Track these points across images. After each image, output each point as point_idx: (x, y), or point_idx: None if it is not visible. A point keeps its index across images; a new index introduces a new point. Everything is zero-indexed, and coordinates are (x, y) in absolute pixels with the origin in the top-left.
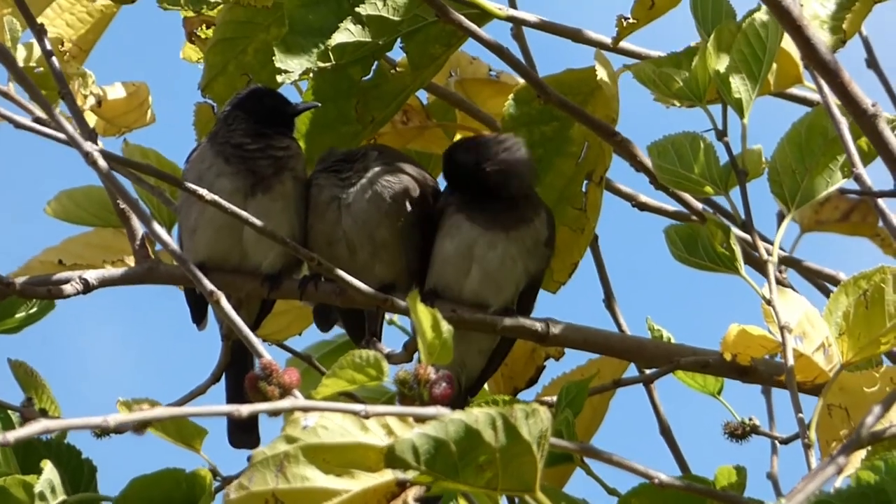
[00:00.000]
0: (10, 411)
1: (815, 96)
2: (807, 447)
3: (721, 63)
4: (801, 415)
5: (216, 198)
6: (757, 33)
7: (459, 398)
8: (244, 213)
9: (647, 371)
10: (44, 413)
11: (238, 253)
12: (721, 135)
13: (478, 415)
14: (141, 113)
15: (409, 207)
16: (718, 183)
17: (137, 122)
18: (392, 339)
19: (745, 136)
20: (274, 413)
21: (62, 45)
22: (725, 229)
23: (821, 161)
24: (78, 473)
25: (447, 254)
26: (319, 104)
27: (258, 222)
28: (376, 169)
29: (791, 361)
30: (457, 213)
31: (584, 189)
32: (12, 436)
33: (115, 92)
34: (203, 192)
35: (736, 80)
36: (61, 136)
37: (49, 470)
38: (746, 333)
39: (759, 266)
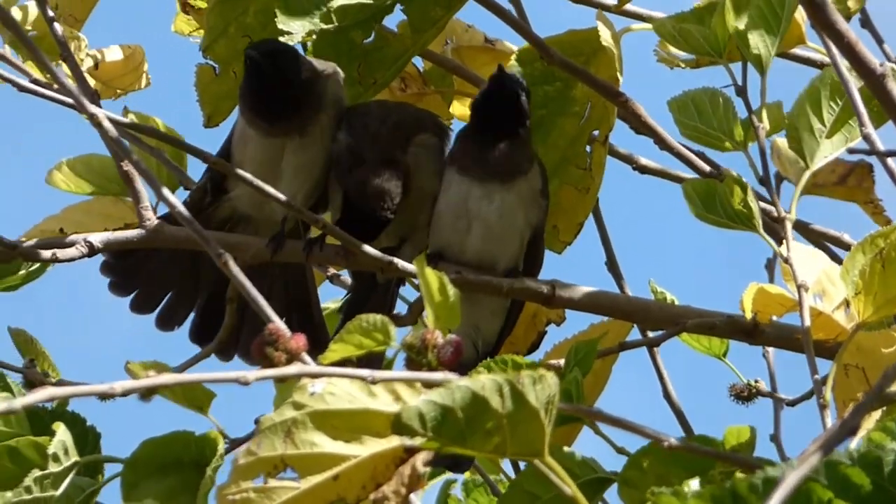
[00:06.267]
0: (10, 377)
1: (818, 56)
2: (822, 407)
3: (740, 19)
4: (816, 376)
5: (242, 172)
6: None
7: (477, 361)
8: (268, 187)
9: (652, 334)
10: (45, 375)
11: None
12: (740, 91)
13: (484, 381)
14: (137, 76)
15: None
16: (738, 138)
17: (133, 85)
18: None
19: (764, 92)
20: (281, 379)
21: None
22: (744, 186)
23: (840, 118)
24: (82, 440)
25: (441, 211)
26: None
27: (281, 196)
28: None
29: (808, 321)
30: (450, 166)
31: (588, 149)
32: (19, 402)
33: (112, 54)
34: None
35: (755, 36)
36: (65, 98)
37: (62, 432)
38: (765, 292)
39: (769, 225)
